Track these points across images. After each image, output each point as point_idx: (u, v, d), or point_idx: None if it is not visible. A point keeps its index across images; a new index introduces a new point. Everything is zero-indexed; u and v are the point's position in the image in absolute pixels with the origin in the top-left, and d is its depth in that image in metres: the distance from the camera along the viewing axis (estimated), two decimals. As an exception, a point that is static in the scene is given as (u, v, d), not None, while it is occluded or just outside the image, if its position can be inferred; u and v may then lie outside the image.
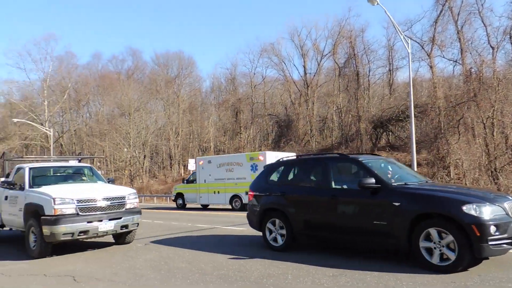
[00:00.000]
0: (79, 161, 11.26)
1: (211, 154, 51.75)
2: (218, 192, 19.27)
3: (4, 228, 10.09)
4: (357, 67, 37.71)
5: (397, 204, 5.92)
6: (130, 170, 48.99)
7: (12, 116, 52.89)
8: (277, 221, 7.61)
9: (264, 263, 6.66)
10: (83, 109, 59.07)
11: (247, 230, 10.99)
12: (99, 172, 10.49)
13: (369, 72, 39.65)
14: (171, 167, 52.82)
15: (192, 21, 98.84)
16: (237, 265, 6.60)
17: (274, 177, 8.07)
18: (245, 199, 17.95)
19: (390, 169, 7.12)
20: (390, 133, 35.25)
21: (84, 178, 9.62)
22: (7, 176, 10.03)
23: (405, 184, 6.41)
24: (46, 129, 47.05)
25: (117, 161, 50.94)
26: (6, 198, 9.23)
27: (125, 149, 49.93)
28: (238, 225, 12.54)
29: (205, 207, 21.41)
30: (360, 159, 6.89)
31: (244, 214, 18.27)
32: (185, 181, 22.11)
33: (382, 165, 7.11)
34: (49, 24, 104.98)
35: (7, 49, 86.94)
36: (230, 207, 19.06)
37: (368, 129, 34.57)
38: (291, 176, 7.74)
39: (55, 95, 55.93)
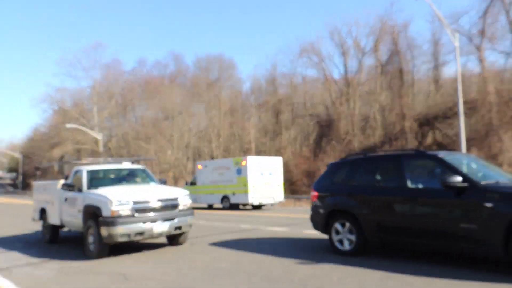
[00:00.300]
0: (132, 163, 11.46)
1: (253, 155, 51.78)
2: (213, 193, 21.98)
3: (64, 229, 10.59)
4: (401, 63, 36.57)
5: (489, 205, 5.31)
6: (174, 172, 50.15)
7: (65, 122, 55.83)
8: (345, 223, 7.20)
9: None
10: (129, 113, 61.19)
11: (290, 231, 11.04)
12: None
13: (413, 68, 38.31)
14: (213, 169, 53.34)
15: (232, 23, 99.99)
16: (282, 267, 6.56)
17: (340, 176, 7.59)
18: (232, 199, 20.79)
19: (474, 166, 6.51)
20: (437, 131, 33.91)
21: (137, 179, 9.79)
22: (66, 178, 10.38)
23: (497, 182, 5.76)
24: (96, 134, 49.26)
25: (162, 163, 52.33)
26: (65, 199, 9.55)
27: (169, 152, 51.21)
28: (280, 225, 12.74)
29: (210, 207, 23.73)
30: (440, 155, 6.29)
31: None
32: (188, 183, 24.14)
33: (465, 161, 6.50)
34: (98, 33, 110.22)
35: (59, 58, 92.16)
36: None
37: (413, 127, 33.44)
38: (360, 175, 7.22)
39: (104, 101, 58.41)
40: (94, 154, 59.72)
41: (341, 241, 7.33)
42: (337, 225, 7.37)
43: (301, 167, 41.30)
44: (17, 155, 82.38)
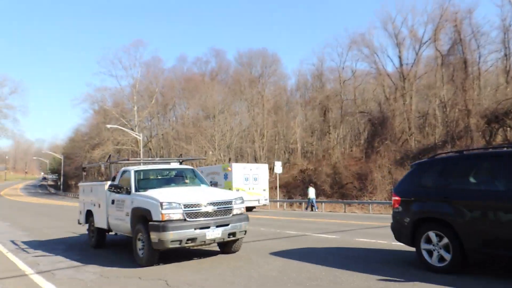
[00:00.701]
0: (181, 163, 11.37)
1: (298, 156, 51.62)
2: None
3: (110, 233, 10.50)
4: (465, 53, 34.79)
5: None
6: (216, 174, 50.62)
7: (106, 122, 57.94)
8: (439, 234, 6.38)
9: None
10: (169, 113, 62.60)
11: (340, 238, 10.86)
12: None
13: (479, 58, 36.31)
14: (256, 170, 53.44)
15: (275, 16, 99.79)
16: (331, 276, 6.39)
17: (430, 178, 6.76)
18: None
19: None
20: (508, 128, 31.97)
21: (186, 181, 9.65)
22: (113, 179, 10.28)
23: None
24: (136, 134, 50.71)
25: (203, 164, 53.08)
26: (112, 202, 9.49)
27: (210, 152, 51.76)
28: (329, 232, 12.55)
29: None
30: None
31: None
32: None
33: None
34: (138, 31, 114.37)
35: (100, 58, 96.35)
36: None
37: (480, 124, 31.72)
38: (458, 176, 6.36)
39: (144, 100, 60.09)
40: (134, 155, 61.57)
41: (431, 254, 6.55)
42: (428, 236, 6.55)
43: (351, 169, 40.50)
44: (59, 156, 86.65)
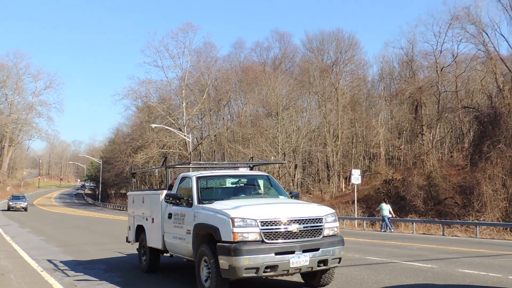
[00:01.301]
0: (251, 169, 11.13)
1: (381, 163, 50.20)
2: None
3: (165, 254, 10.29)
4: None
5: None
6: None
7: (150, 121, 59.52)
8: None
9: None
10: (223, 110, 63.26)
11: (438, 268, 10.53)
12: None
13: None
14: (328, 180, 52.72)
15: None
16: None
17: None
18: None
19: None
20: None
21: (260, 191, 9.34)
22: (170, 187, 10.02)
23: None
24: (184, 135, 51.60)
25: (263, 171, 52.95)
26: (170, 216, 9.22)
27: (272, 158, 51.58)
28: (421, 260, 12.12)
29: None
30: None
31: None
32: None
33: None
34: (187, 14, 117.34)
35: (145, 46, 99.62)
36: None
37: None
38: None
39: (194, 95, 61.15)
40: (182, 159, 62.75)
41: None
42: None
43: (452, 180, 38.91)
44: (97, 160, 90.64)
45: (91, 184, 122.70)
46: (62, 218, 40.66)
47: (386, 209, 27.48)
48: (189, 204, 8.52)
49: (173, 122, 59.07)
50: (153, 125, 52.91)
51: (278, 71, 57.57)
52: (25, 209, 49.13)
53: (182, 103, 60.17)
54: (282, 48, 66.05)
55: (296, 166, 51.88)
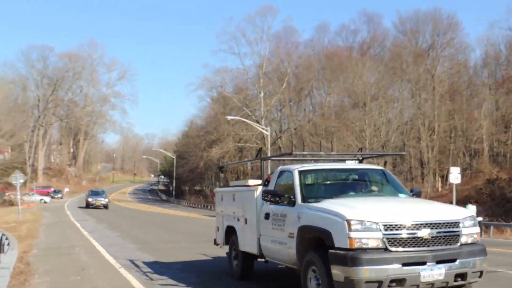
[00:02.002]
0: (360, 162, 10.54)
1: (484, 161, 48.52)
2: None
3: (259, 260, 9.66)
4: None
5: None
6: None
7: (226, 113, 60.75)
8: None
9: None
10: (305, 100, 63.37)
11: None
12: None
13: None
14: (422, 179, 51.39)
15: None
16: None
17: None
18: None
19: None
20: None
21: (373, 188, 8.57)
22: (266, 183, 9.45)
23: None
24: (262, 128, 52.29)
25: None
26: (267, 216, 8.68)
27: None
28: None
29: None
30: None
31: None
32: None
33: None
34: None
35: (220, 31, 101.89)
36: None
37: None
38: None
39: (272, 84, 61.70)
40: (260, 154, 63.59)
41: None
42: None
43: None
44: (171, 154, 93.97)
45: (165, 180, 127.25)
46: (137, 214, 42.83)
47: (472, 210, 26.75)
48: (291, 203, 7.90)
49: (250, 114, 59.93)
50: (229, 117, 53.93)
51: (366, 56, 56.70)
52: (106, 206, 47.69)
53: (260, 93, 60.94)
54: (370, 31, 65.01)
55: (385, 163, 50.90)
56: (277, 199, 8.04)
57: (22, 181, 32.54)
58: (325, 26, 79.28)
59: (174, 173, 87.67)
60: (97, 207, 46.96)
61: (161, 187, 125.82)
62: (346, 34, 68.15)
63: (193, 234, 22.33)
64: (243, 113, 58.93)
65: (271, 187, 8.88)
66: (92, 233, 21.79)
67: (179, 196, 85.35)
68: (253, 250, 9.32)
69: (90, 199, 48.23)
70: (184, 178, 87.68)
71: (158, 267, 12.03)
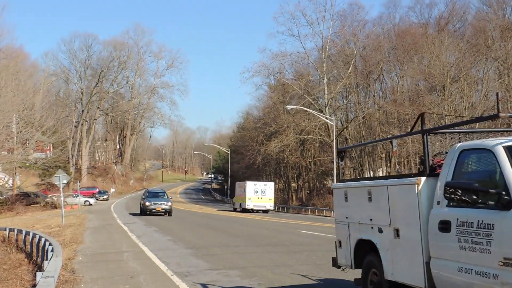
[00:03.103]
0: None
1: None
2: (237, 201, 59.05)
3: None
4: None
5: None
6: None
7: (285, 103, 60.83)
8: None
9: None
10: (374, 85, 62.25)
11: None
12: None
13: None
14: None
15: None
16: None
17: None
18: (242, 205, 55.42)
19: None
20: None
21: None
22: (431, 171, 6.97)
23: None
24: (326, 118, 51.76)
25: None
26: (445, 226, 6.24)
27: (437, 143, 49.71)
28: None
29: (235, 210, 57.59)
30: None
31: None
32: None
33: None
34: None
35: (278, 11, 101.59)
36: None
37: None
38: None
39: (337, 68, 61.04)
40: (323, 147, 63.16)
41: None
42: None
43: None
44: (225, 149, 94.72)
45: (219, 178, 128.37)
46: (189, 216, 43.30)
47: None
48: (503, 203, 5.45)
49: (313, 102, 59.57)
50: (289, 107, 53.90)
51: (444, 33, 55.02)
52: (169, 212, 39.97)
53: (323, 79, 60.39)
54: (449, 4, 62.92)
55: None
56: (475, 197, 5.60)
57: (65, 181, 33.27)
58: (395, 1, 77.43)
59: (229, 170, 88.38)
60: (157, 214, 39.78)
61: (214, 185, 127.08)
62: (420, 8, 66.45)
63: (252, 238, 22.29)
64: (305, 102, 58.69)
65: (445, 177, 6.41)
66: (141, 237, 22.13)
67: (235, 196, 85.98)
68: (415, 281, 6.78)
69: (148, 203, 39.84)
70: (240, 175, 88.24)
71: (215, 275, 12.09)
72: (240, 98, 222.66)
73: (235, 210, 57.80)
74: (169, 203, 40.51)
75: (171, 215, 39.67)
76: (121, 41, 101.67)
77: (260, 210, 54.12)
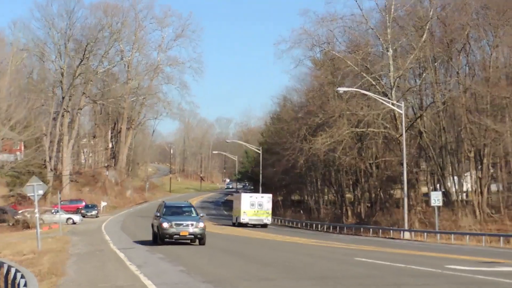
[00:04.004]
0: None
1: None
2: (233, 215, 75.61)
3: None
4: None
5: None
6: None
7: (336, 84, 60.30)
8: None
9: None
10: (457, 59, 61.67)
11: None
12: None
13: None
14: None
15: None
16: None
17: None
18: (238, 220, 69.08)
19: None
20: None
21: None
22: None
23: None
24: (393, 104, 51.38)
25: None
26: None
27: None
28: None
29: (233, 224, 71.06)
30: None
31: None
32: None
33: None
34: None
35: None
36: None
37: None
38: None
39: (406, 35, 60.44)
40: (390, 144, 62.65)
41: None
42: None
43: None
44: (256, 148, 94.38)
45: (247, 186, 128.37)
46: (208, 238, 43.37)
47: None
48: None
49: (374, 82, 59.11)
50: (341, 89, 53.49)
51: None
52: (200, 237, 33.90)
53: (387, 51, 59.96)
54: None
55: None
56: None
57: (41, 192, 32.72)
58: None
59: (261, 176, 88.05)
60: (182, 241, 34.20)
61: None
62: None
63: (290, 267, 22.26)
64: (363, 82, 58.30)
65: None
66: (143, 267, 22.21)
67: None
68: None
69: (166, 224, 33.72)
70: (275, 183, 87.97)
71: None
72: (274, 79, 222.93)
73: (233, 224, 70.36)
74: (201, 224, 34.37)
75: (204, 243, 34.23)
76: (113, 4, 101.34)
77: (258, 224, 66.63)
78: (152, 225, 37.09)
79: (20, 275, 14.96)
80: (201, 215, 37.30)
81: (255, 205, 66.40)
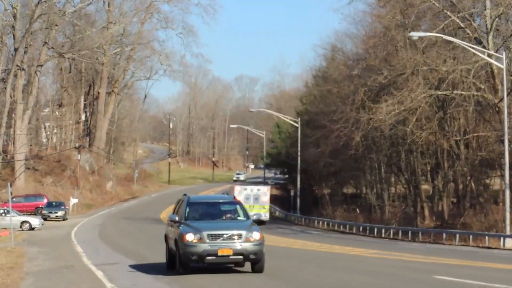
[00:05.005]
0: None
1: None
2: None
3: None
4: None
5: None
6: None
7: (407, 27, 59.90)
8: None
9: None
10: None
11: None
12: None
13: None
14: None
15: None
16: None
17: None
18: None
19: None
20: None
21: None
22: None
23: None
24: (489, 55, 50.99)
25: None
26: None
27: None
28: None
29: None
30: None
31: None
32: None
33: None
34: None
35: None
36: None
37: None
38: None
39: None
40: (485, 113, 62.26)
41: None
42: None
43: None
44: (292, 120, 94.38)
45: (278, 174, 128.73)
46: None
47: None
48: None
49: (462, 25, 58.82)
50: (414, 34, 53.12)
51: None
52: (255, 259, 25.94)
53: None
54: None
55: None
56: None
57: None
58: None
59: (299, 159, 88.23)
60: (222, 265, 27.86)
61: (271, 189, 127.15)
62: None
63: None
64: (446, 25, 58.01)
65: None
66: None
67: (310, 209, 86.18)
68: None
69: (191, 237, 25.88)
70: (319, 169, 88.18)
71: None
72: (319, 20, 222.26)
73: None
74: (255, 235, 26.70)
75: (261, 269, 27.29)
76: None
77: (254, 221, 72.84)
78: (166, 238, 30.28)
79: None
80: (255, 217, 30.51)
81: (250, 199, 77.09)
